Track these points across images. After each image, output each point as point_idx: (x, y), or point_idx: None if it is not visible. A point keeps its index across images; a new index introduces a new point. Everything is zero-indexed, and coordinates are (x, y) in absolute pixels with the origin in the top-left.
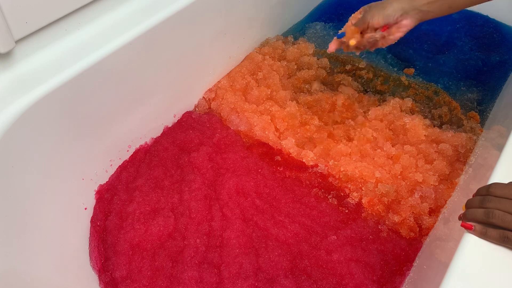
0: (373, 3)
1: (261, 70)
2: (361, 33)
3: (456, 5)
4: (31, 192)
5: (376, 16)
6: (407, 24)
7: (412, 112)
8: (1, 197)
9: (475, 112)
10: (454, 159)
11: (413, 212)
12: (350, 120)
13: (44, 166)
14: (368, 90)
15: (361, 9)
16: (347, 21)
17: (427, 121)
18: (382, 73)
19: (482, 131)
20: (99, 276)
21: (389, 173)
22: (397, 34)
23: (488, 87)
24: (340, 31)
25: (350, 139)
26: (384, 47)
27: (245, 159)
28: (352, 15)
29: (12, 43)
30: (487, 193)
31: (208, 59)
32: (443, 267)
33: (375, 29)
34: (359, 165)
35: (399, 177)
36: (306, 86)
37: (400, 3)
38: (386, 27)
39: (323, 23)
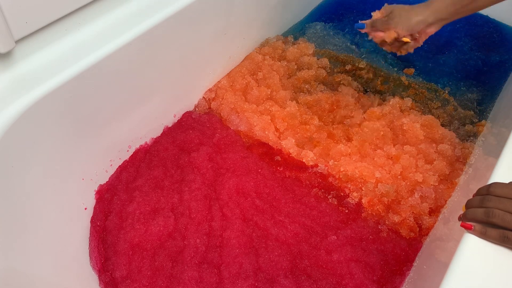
0: (396, 8)
1: (261, 70)
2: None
3: (475, 8)
4: (31, 192)
5: (400, 25)
6: (430, 32)
7: (412, 111)
8: (1, 197)
9: (473, 112)
10: (454, 159)
11: (413, 212)
12: (349, 120)
13: (44, 166)
14: (368, 90)
15: (383, 10)
16: (347, 21)
17: (431, 117)
18: (382, 73)
19: (482, 131)
20: (99, 276)
21: (389, 173)
22: (420, 41)
23: (488, 87)
24: (361, 22)
25: (349, 139)
26: (404, 53)
27: (245, 159)
28: (375, 13)
29: (12, 43)
30: (487, 192)
31: (208, 59)
32: (443, 267)
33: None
34: (359, 165)
35: (399, 177)
36: (306, 86)
37: (425, 15)
38: (412, 37)
39: (323, 23)
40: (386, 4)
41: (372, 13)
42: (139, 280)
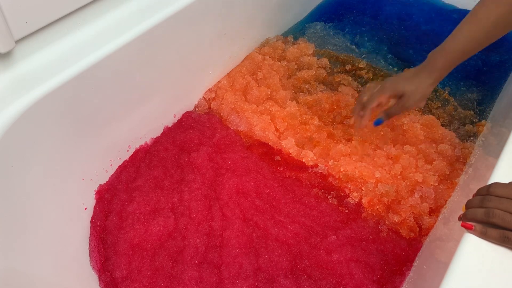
0: (406, 88)
1: (261, 70)
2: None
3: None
4: (31, 192)
5: (417, 101)
6: None
7: (412, 111)
8: (1, 197)
9: (473, 112)
10: (454, 159)
11: (413, 212)
12: (350, 120)
13: (44, 166)
14: None
15: (388, 92)
16: (347, 21)
17: (431, 117)
18: (382, 73)
19: (482, 131)
20: (99, 276)
21: (389, 173)
22: None
23: (488, 87)
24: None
25: (349, 139)
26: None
27: (245, 159)
28: (380, 99)
29: (12, 43)
30: (487, 192)
31: (208, 59)
32: (443, 267)
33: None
34: (359, 165)
35: (399, 177)
36: (306, 86)
37: (432, 84)
38: None
39: (323, 23)
40: (386, 83)
41: (376, 99)
42: (139, 280)
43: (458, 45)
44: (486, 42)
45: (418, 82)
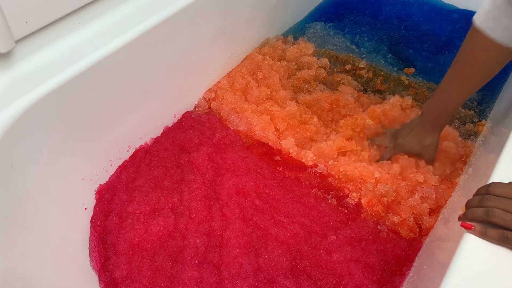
0: (401, 137)
1: (261, 70)
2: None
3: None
4: (31, 192)
5: (413, 150)
6: None
7: (413, 109)
8: (1, 197)
9: (473, 111)
10: (455, 158)
11: (413, 213)
12: (349, 119)
13: (44, 166)
14: (368, 89)
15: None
16: (347, 21)
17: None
18: (382, 73)
19: (482, 130)
20: (99, 276)
21: (388, 173)
22: None
23: (488, 87)
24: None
25: (349, 139)
26: None
27: (245, 159)
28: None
29: (12, 43)
30: (487, 192)
31: (208, 59)
32: (443, 267)
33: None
34: (358, 165)
35: (398, 177)
36: (306, 86)
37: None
38: None
39: (323, 23)
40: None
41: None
42: (139, 280)
43: (447, 102)
44: (473, 92)
45: (424, 145)
